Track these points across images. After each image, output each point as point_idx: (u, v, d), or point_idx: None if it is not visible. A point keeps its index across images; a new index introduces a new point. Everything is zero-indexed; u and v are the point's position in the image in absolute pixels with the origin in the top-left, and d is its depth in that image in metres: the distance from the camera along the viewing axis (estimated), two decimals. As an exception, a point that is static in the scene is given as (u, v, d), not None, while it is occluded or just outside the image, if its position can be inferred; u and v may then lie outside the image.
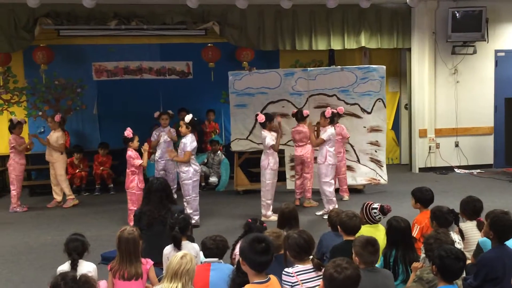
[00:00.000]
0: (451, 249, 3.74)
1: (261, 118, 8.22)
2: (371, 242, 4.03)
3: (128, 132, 7.72)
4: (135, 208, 7.53)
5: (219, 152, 11.12)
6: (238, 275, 3.88)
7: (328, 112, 8.24)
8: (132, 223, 7.49)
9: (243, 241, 3.58)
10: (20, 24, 10.11)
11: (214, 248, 4.38)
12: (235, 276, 3.95)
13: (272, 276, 3.62)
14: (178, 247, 4.70)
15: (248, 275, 3.53)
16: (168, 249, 4.81)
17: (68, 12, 10.23)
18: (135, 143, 7.73)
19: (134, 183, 7.64)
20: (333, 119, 8.32)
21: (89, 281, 3.53)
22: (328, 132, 8.18)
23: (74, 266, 4.40)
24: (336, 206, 8.06)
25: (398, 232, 4.72)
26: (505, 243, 4.36)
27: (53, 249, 6.82)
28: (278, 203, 5.55)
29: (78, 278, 3.51)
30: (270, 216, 8.13)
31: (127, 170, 7.73)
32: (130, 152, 7.67)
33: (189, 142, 7.81)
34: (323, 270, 4.36)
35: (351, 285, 3.20)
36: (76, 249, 4.47)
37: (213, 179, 10.95)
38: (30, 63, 11.19)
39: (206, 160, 11.02)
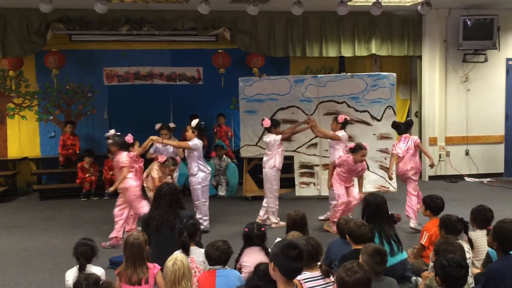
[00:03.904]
0: (452, 257, 3.75)
1: (267, 123, 8.25)
2: (380, 253, 4.02)
3: (129, 138, 7.65)
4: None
5: (224, 156, 11.05)
6: (253, 278, 3.85)
7: (342, 117, 8.28)
8: (127, 227, 7.56)
9: (276, 247, 3.49)
10: (32, 28, 10.22)
11: (217, 258, 4.39)
12: (249, 279, 3.92)
13: (297, 282, 3.57)
14: (186, 252, 4.70)
15: (277, 282, 3.43)
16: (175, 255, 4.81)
17: (80, 18, 10.32)
18: (136, 148, 7.67)
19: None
20: (345, 125, 8.33)
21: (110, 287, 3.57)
22: (342, 132, 8.20)
23: (82, 270, 4.42)
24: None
25: (375, 206, 5.01)
26: (510, 252, 4.33)
27: (62, 253, 6.84)
28: (287, 210, 5.55)
29: (101, 283, 3.53)
30: (279, 221, 8.12)
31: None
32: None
33: (193, 142, 7.83)
34: (331, 277, 4.36)
35: None
36: (84, 254, 4.49)
37: (221, 194, 10.83)
38: (42, 67, 11.27)
39: (217, 172, 10.87)
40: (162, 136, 8.66)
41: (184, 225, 4.92)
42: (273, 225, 8.07)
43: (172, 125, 9.09)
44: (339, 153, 8.14)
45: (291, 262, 3.33)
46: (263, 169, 8.30)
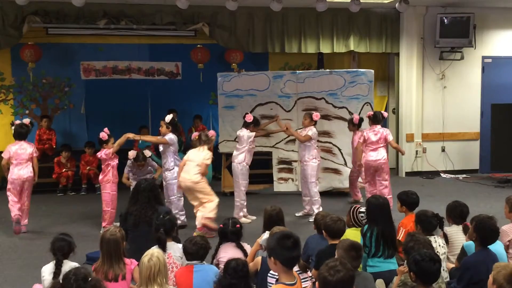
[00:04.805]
0: (425, 252, 3.83)
1: (249, 118, 8.28)
2: (355, 247, 4.05)
3: (104, 134, 7.64)
4: (109, 209, 7.64)
5: None
6: (225, 276, 3.90)
7: (317, 115, 8.34)
8: (103, 223, 7.54)
9: (270, 241, 3.62)
10: (8, 21, 10.07)
11: (194, 253, 4.40)
12: (221, 278, 3.97)
13: (296, 275, 3.65)
14: (163, 248, 4.69)
15: (279, 275, 3.56)
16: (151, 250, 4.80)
17: (57, 10, 10.20)
18: (110, 145, 7.65)
19: (108, 177, 7.63)
20: (316, 122, 8.45)
21: (98, 286, 3.52)
22: (312, 130, 8.26)
23: (58, 266, 4.38)
24: (321, 208, 8.10)
25: (377, 208, 5.00)
26: (488, 247, 4.41)
27: (37, 248, 6.78)
28: (265, 205, 5.57)
29: (89, 279, 3.49)
30: (241, 217, 8.12)
31: (102, 166, 7.77)
32: (104, 152, 7.64)
33: (169, 136, 7.83)
34: (308, 272, 4.40)
35: (342, 287, 3.21)
36: (61, 249, 4.45)
37: None
38: (17, 61, 11.11)
39: None
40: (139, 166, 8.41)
41: (161, 221, 4.91)
42: (241, 219, 8.06)
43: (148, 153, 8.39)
44: (310, 149, 8.26)
45: (289, 251, 3.47)
46: (232, 163, 8.38)
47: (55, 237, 4.57)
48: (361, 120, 9.04)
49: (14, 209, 7.60)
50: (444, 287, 4.27)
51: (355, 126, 9.03)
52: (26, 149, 7.66)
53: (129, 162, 8.24)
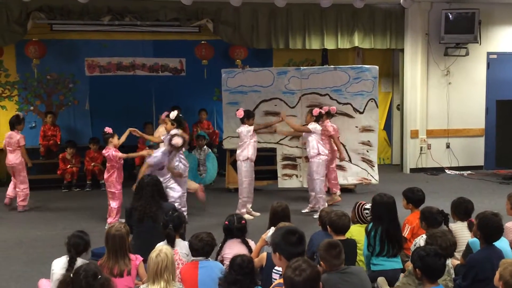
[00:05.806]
0: (429, 248, 3.82)
1: (240, 113, 8.28)
2: (333, 245, 3.99)
3: (109, 128, 7.70)
4: (115, 206, 7.69)
5: (205, 147, 10.92)
6: (231, 272, 3.90)
7: (316, 111, 8.34)
8: (109, 219, 7.55)
9: (275, 236, 3.62)
10: (12, 17, 10.08)
11: (200, 249, 4.40)
12: (227, 274, 3.97)
13: None
14: (171, 245, 4.70)
15: (283, 270, 3.49)
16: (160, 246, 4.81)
17: (61, 7, 10.21)
18: (115, 140, 7.70)
19: (113, 177, 7.67)
20: (319, 118, 8.39)
21: (107, 284, 3.52)
22: (313, 124, 8.26)
23: (71, 263, 4.35)
24: (326, 204, 8.10)
25: (382, 206, 4.94)
26: (494, 243, 4.40)
27: (43, 244, 6.80)
28: (270, 202, 5.58)
29: (99, 277, 3.49)
30: (244, 213, 8.12)
31: (107, 165, 7.80)
32: (113, 152, 7.66)
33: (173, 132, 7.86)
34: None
35: (310, 285, 3.08)
36: (76, 247, 4.42)
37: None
38: (22, 57, 11.14)
39: (197, 162, 10.82)
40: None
41: (170, 217, 4.91)
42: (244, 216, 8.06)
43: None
44: (314, 144, 8.23)
45: (294, 247, 3.46)
46: (237, 161, 8.38)
47: (72, 233, 4.55)
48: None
49: (9, 189, 8.94)
50: (452, 284, 4.26)
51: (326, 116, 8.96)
52: (14, 138, 8.79)
53: (163, 150, 7.64)
